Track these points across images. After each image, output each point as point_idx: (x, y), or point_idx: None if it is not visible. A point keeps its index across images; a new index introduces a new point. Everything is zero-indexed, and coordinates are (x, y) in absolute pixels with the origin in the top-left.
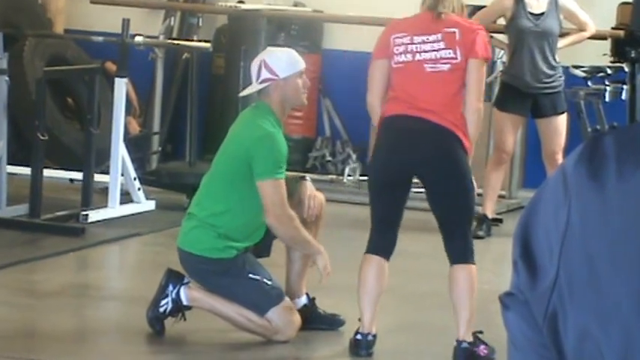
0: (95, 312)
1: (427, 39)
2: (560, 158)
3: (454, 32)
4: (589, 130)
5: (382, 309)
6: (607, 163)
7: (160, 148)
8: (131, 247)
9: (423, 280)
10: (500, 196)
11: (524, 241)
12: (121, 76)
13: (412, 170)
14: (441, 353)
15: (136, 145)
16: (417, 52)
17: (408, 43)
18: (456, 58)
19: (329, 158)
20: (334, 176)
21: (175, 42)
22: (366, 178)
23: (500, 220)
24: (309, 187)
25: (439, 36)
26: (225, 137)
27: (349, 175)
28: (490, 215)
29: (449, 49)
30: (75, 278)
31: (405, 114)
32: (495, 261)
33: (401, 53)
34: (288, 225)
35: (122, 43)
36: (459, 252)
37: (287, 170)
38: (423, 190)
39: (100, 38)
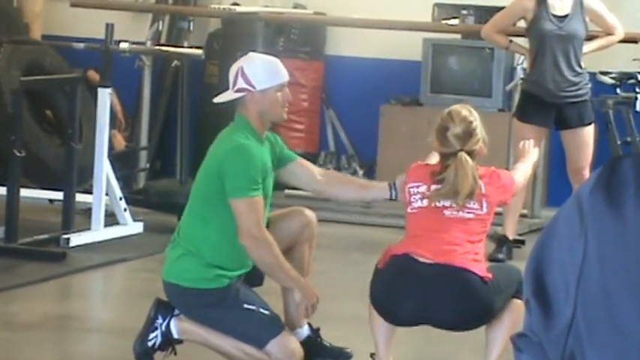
0: (78, 345)
1: None
2: (587, 174)
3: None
4: (618, 142)
5: (396, 341)
6: (625, 187)
7: (147, 165)
8: (117, 274)
9: None
10: (522, 216)
11: (538, 278)
12: (105, 86)
13: (418, 318)
14: None
15: (122, 162)
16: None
17: (425, 191)
18: (481, 210)
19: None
20: None
21: (164, 48)
22: None
23: (522, 242)
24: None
25: None
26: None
27: None
28: (511, 236)
29: (474, 200)
30: (56, 308)
31: (419, 256)
32: None
33: (417, 200)
34: (265, 250)
35: (106, 50)
36: None
37: (285, 189)
38: None
39: (82, 45)
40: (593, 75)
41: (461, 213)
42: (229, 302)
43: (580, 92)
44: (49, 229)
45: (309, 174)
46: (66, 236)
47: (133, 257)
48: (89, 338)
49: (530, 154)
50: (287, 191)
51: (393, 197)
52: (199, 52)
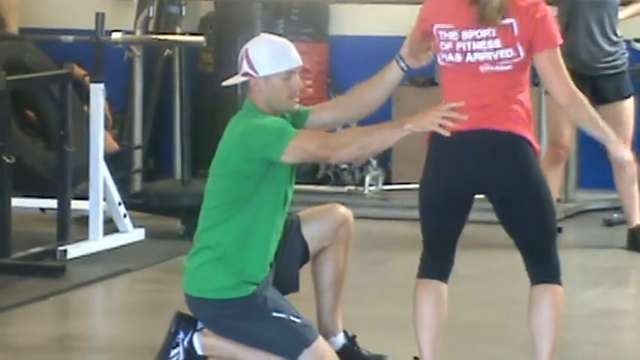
0: None
1: (478, 34)
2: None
3: (510, 25)
4: None
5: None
6: None
7: (142, 165)
8: (120, 287)
9: (479, 309)
10: (556, 200)
11: None
12: (98, 81)
13: (474, 190)
14: None
15: (114, 163)
16: (469, 51)
17: (456, 40)
18: (519, 56)
19: (344, 166)
20: (352, 187)
21: (161, 37)
22: (391, 187)
23: (558, 230)
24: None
25: (492, 31)
26: (216, 148)
27: (371, 185)
28: None
29: (507, 47)
30: (58, 328)
31: (459, 128)
32: None
33: (448, 52)
34: (339, 152)
35: (97, 42)
36: (543, 273)
37: (295, 184)
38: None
39: (70, 37)
40: (628, 43)
41: (497, 67)
42: (257, 311)
43: (617, 63)
44: (43, 240)
45: (329, 114)
46: (62, 248)
47: (137, 267)
48: (96, 358)
49: None
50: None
51: (406, 69)
52: (200, 39)
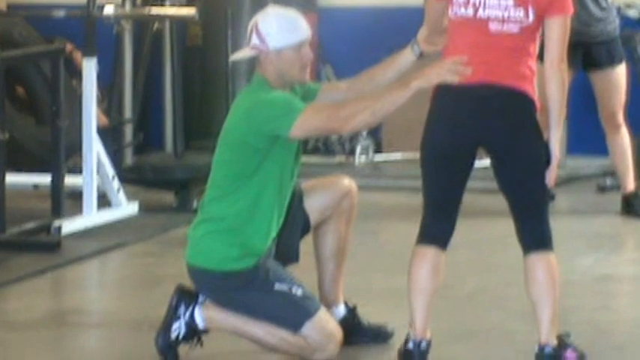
0: (84, 343)
1: None
2: (621, 118)
3: None
4: None
5: (433, 313)
6: None
7: (137, 139)
8: (116, 261)
9: (477, 277)
10: None
11: None
12: (90, 56)
13: (477, 142)
14: None
15: (105, 138)
16: (481, 6)
17: None
18: (528, 19)
19: (334, 137)
20: (343, 158)
21: (153, 11)
22: (381, 158)
23: (552, 197)
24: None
25: None
26: (208, 121)
27: (361, 155)
28: None
29: (519, 7)
30: (55, 303)
31: (464, 82)
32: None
33: (461, 5)
34: (351, 120)
35: (89, 17)
36: (534, 238)
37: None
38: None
39: (62, 12)
40: (617, 9)
41: (506, 26)
42: (259, 283)
43: (608, 29)
44: (37, 216)
45: (339, 93)
46: (57, 223)
47: (132, 241)
48: (94, 334)
49: None
50: None
51: (418, 54)
52: (192, 12)
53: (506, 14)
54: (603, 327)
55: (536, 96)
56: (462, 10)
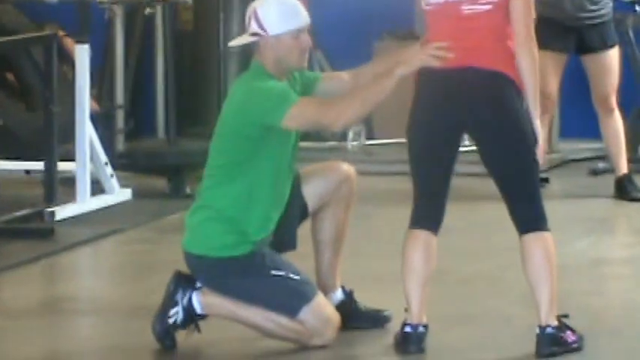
0: (79, 330)
1: None
2: (614, 101)
3: None
4: None
5: (429, 298)
6: None
7: (129, 125)
8: (110, 248)
9: (472, 261)
10: None
11: None
12: (83, 42)
13: (461, 126)
14: (507, 346)
15: (96, 124)
16: None
17: None
18: None
19: None
20: (334, 142)
21: None
22: (373, 142)
23: (546, 180)
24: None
25: None
26: (200, 107)
27: (353, 141)
28: None
29: None
30: (49, 290)
31: (445, 66)
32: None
33: None
34: (343, 113)
35: (82, 2)
36: (528, 218)
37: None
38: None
39: None
40: None
41: (477, 6)
42: (255, 269)
43: (602, 12)
44: (29, 203)
45: (340, 84)
46: (50, 210)
47: (126, 228)
48: (89, 321)
49: None
50: None
51: None
52: None
53: None
54: (597, 311)
55: (518, 78)
56: None
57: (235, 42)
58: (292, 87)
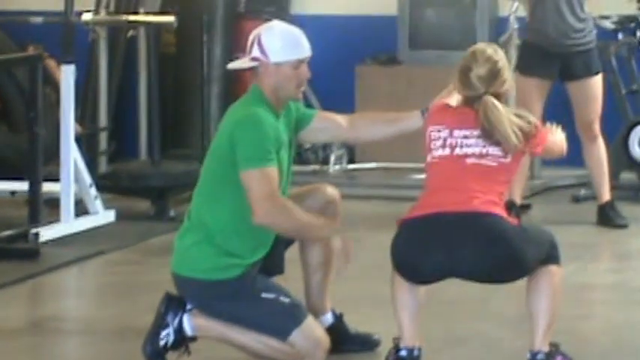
0: (65, 350)
1: (471, 133)
2: (597, 127)
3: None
4: (623, 92)
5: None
6: None
7: (111, 147)
8: (96, 269)
9: (459, 282)
10: None
11: None
12: (68, 62)
13: (448, 270)
14: None
15: (78, 146)
16: (458, 145)
17: (447, 137)
18: (506, 158)
19: (307, 146)
20: (317, 166)
21: (131, 18)
22: (355, 166)
23: (528, 206)
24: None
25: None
26: (183, 129)
27: (335, 164)
28: (519, 201)
29: (498, 146)
30: (35, 311)
31: (437, 211)
32: None
33: (439, 147)
34: (284, 217)
35: (67, 23)
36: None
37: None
38: None
39: (40, 19)
40: (593, 20)
41: (484, 161)
42: (246, 292)
43: (585, 40)
44: (13, 224)
45: (334, 125)
46: (35, 231)
47: (110, 249)
48: (74, 341)
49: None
50: None
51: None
52: (170, 19)
53: (484, 150)
54: (585, 335)
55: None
56: (440, 151)
57: (235, 65)
58: (287, 117)
